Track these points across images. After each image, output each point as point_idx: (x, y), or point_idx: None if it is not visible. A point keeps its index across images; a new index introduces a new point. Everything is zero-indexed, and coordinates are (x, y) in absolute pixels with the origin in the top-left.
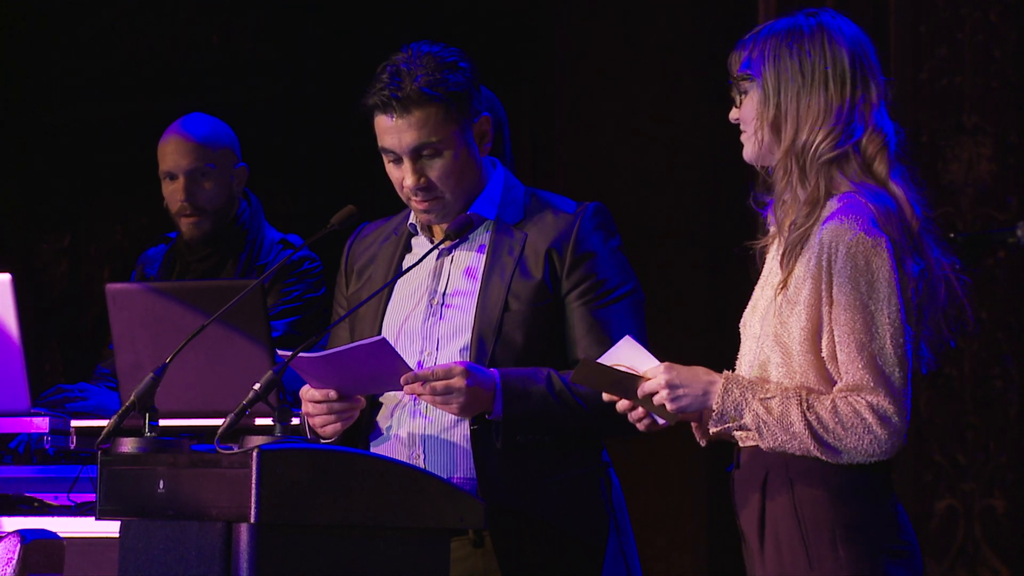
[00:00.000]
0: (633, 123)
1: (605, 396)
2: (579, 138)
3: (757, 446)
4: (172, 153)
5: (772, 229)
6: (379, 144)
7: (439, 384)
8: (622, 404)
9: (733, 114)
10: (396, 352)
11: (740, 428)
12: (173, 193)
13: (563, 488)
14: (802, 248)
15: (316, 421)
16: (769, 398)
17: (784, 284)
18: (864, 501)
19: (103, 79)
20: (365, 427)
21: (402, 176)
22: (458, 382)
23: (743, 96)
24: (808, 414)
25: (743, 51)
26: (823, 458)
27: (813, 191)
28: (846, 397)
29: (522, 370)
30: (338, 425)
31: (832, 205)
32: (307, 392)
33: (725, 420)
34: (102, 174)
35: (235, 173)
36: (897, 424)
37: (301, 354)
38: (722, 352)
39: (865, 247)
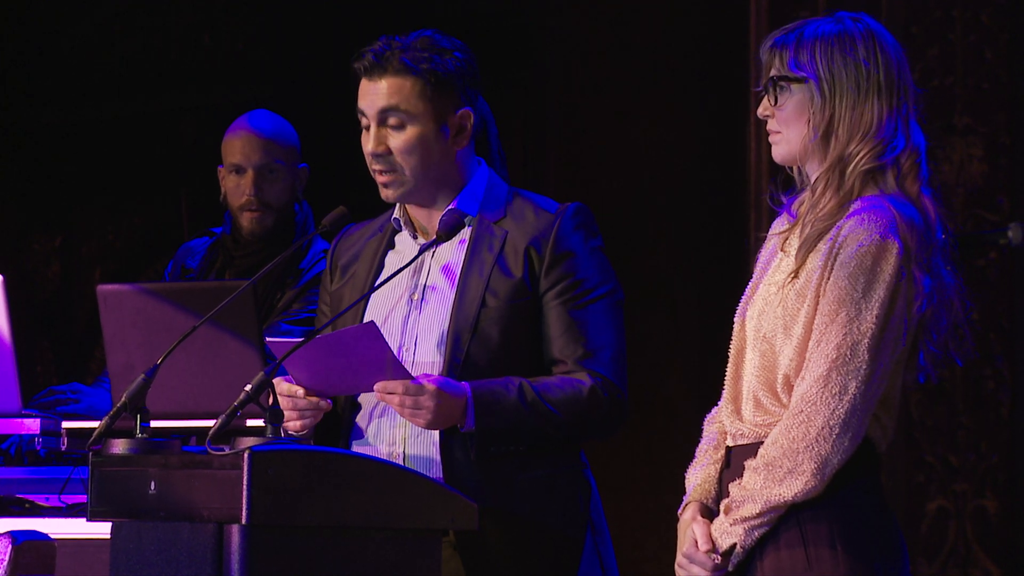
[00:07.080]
0: (624, 127)
1: None
2: (570, 141)
3: (749, 445)
4: (242, 147)
5: (777, 226)
6: (357, 109)
7: (408, 399)
8: None
9: (765, 111)
10: (383, 339)
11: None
12: (239, 187)
13: (536, 487)
14: (818, 243)
15: (285, 415)
16: (739, 512)
17: (795, 275)
18: (862, 501)
19: (95, 79)
20: (345, 428)
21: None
22: (426, 400)
23: (781, 94)
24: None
25: (786, 50)
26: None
27: (845, 196)
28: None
29: (493, 381)
30: (298, 424)
31: (855, 205)
32: (277, 384)
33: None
34: (94, 175)
35: (298, 173)
36: (847, 447)
37: (284, 340)
38: (716, 353)
39: (876, 249)
